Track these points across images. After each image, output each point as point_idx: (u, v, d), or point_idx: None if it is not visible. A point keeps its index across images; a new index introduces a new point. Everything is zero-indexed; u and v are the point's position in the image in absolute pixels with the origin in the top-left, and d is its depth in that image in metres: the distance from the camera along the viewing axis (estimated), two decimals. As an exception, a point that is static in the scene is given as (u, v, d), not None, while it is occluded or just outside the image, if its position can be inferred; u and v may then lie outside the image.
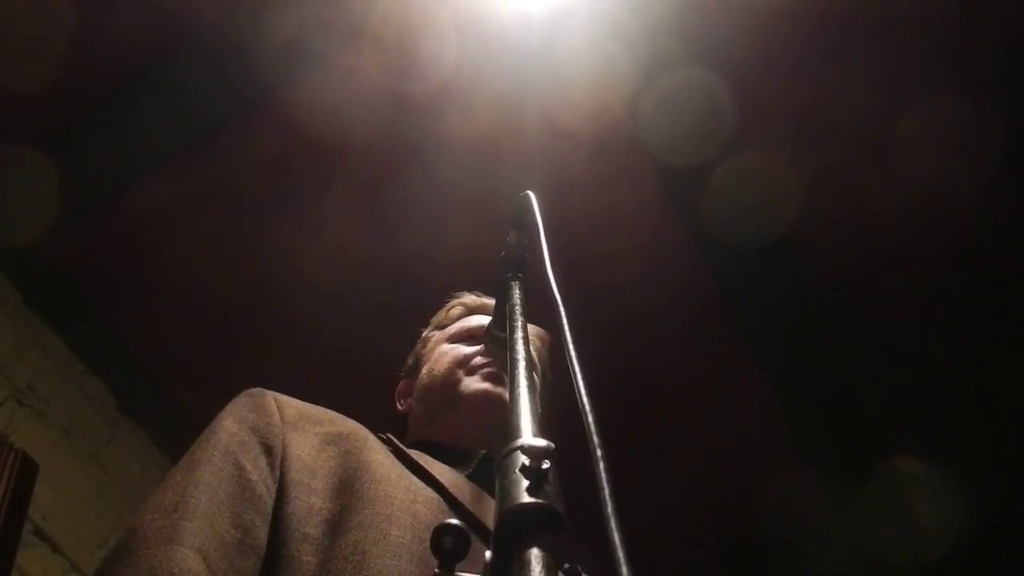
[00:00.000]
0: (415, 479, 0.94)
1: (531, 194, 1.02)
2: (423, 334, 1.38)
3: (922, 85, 2.35)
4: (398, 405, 1.32)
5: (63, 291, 2.71)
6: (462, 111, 2.43)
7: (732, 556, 3.22)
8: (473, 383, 1.18)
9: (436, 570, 0.60)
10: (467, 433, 1.14)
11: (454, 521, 0.62)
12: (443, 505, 0.91)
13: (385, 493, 0.88)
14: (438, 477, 0.95)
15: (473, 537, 0.61)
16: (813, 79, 2.38)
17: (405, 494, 0.89)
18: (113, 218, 2.59)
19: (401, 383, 1.35)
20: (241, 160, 2.52)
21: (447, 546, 0.60)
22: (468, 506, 0.92)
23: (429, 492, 0.92)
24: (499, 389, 1.15)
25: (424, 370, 1.28)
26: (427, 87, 2.38)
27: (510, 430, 0.62)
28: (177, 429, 2.91)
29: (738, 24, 2.28)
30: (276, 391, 1.03)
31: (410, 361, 1.36)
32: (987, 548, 2.98)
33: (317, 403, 1.06)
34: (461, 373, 1.20)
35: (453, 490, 0.94)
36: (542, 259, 0.87)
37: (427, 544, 0.82)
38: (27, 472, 2.32)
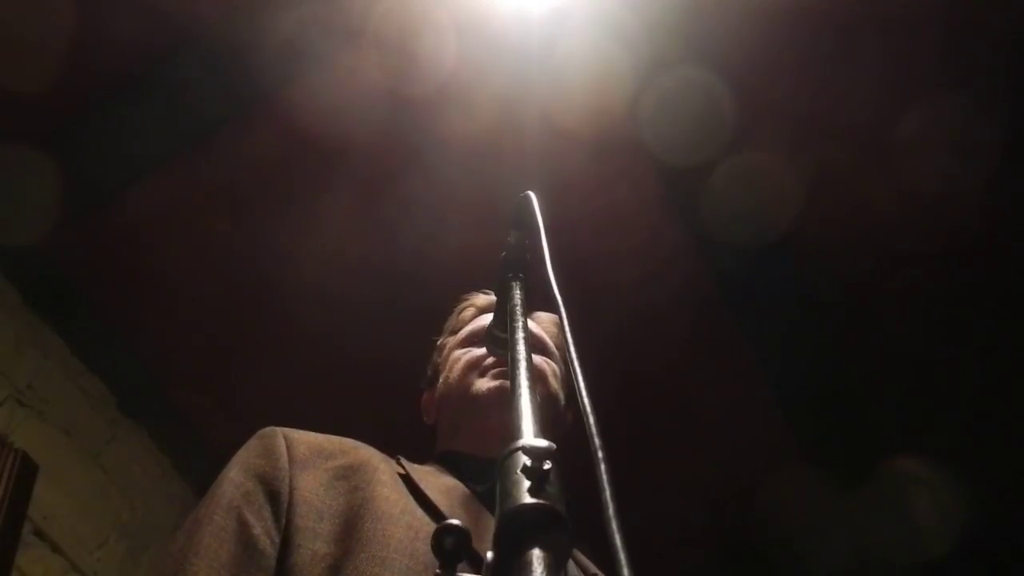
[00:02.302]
0: (419, 512, 0.92)
1: (531, 194, 1.02)
2: (438, 342, 1.36)
3: (922, 85, 2.35)
4: (425, 419, 1.30)
5: (63, 291, 2.71)
6: (462, 111, 2.43)
7: (732, 556, 3.22)
8: (485, 383, 1.17)
9: (437, 570, 0.60)
10: (491, 439, 1.11)
11: (455, 521, 0.62)
12: None
13: (384, 533, 0.87)
14: (444, 509, 0.93)
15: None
16: (813, 79, 2.38)
17: (405, 532, 0.88)
18: (113, 218, 2.59)
19: (424, 396, 1.32)
20: (241, 160, 2.52)
21: (448, 546, 0.60)
22: (473, 537, 0.91)
23: (431, 527, 0.89)
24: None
25: (441, 379, 1.26)
26: (427, 87, 2.38)
27: (511, 431, 0.62)
28: (177, 429, 2.92)
29: (738, 24, 2.28)
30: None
31: (429, 372, 1.34)
32: (987, 548, 2.98)
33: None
34: (474, 376, 1.19)
35: (458, 521, 0.92)
36: (543, 259, 0.87)
37: None
38: (27, 472, 2.32)
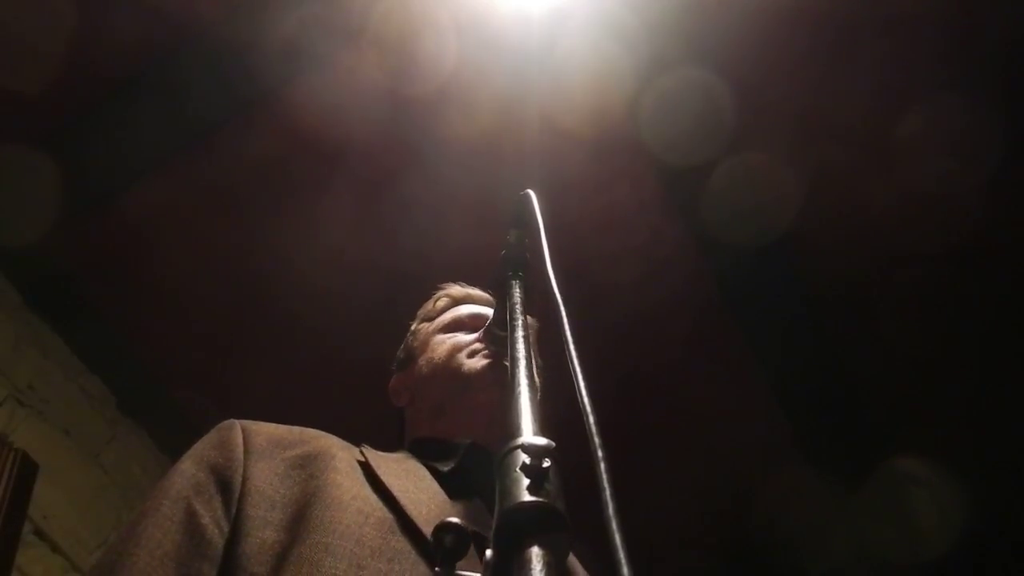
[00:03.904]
0: (373, 498, 0.91)
1: (531, 193, 1.02)
2: (412, 327, 1.37)
3: (922, 85, 2.35)
4: (395, 401, 1.30)
5: (63, 291, 2.71)
6: (462, 111, 2.43)
7: (732, 556, 3.22)
8: (476, 362, 1.17)
9: (437, 569, 0.60)
10: (478, 417, 1.12)
11: (455, 520, 0.62)
12: (395, 526, 0.87)
13: (331, 519, 0.86)
14: (398, 495, 0.91)
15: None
16: (813, 79, 2.38)
17: (355, 517, 0.87)
18: (113, 218, 2.59)
19: (393, 379, 1.32)
20: (241, 160, 2.52)
21: (448, 544, 0.60)
22: (422, 525, 0.88)
23: (383, 512, 0.89)
24: (500, 369, 1.13)
25: (422, 361, 1.26)
26: (427, 87, 2.38)
27: (511, 429, 0.62)
28: (177, 429, 2.91)
29: (738, 24, 2.28)
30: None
31: (401, 355, 1.34)
32: (987, 548, 2.98)
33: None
34: (462, 356, 1.19)
35: (411, 507, 0.90)
36: (542, 258, 0.87)
37: (367, 571, 0.81)
38: (27, 472, 2.32)
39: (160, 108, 2.41)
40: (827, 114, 2.42)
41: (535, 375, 1.25)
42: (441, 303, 1.37)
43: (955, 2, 2.23)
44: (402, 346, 1.36)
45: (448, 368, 1.19)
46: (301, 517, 0.87)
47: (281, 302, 2.72)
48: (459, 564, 0.61)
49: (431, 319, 1.34)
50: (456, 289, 1.39)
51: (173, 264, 2.69)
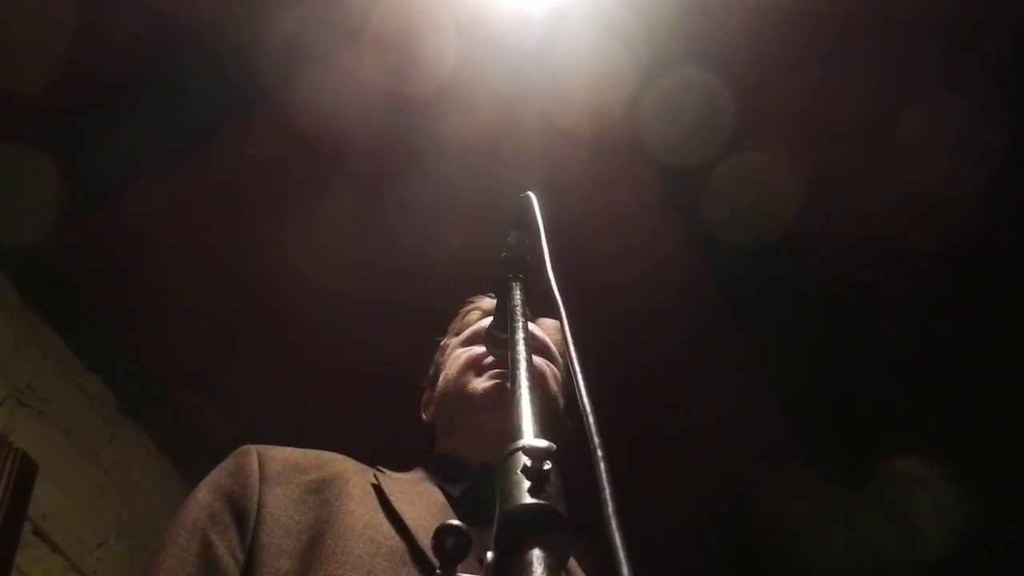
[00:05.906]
0: (385, 526, 0.91)
1: (531, 195, 1.02)
2: (442, 342, 1.37)
3: (922, 85, 2.35)
4: (424, 416, 1.30)
5: (63, 291, 2.71)
6: (462, 111, 2.43)
7: (732, 556, 3.22)
8: (481, 382, 1.16)
9: (438, 570, 0.60)
10: (485, 439, 1.11)
11: (455, 522, 0.62)
12: (406, 557, 0.87)
13: (343, 549, 0.86)
14: (410, 523, 0.91)
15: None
16: (813, 79, 2.38)
17: (367, 547, 0.87)
18: (113, 218, 2.59)
19: (424, 394, 1.33)
20: (240, 160, 2.52)
21: (448, 547, 0.60)
22: (433, 556, 0.89)
23: (395, 542, 0.89)
24: (506, 388, 1.12)
25: (441, 377, 1.26)
26: (427, 87, 2.38)
27: (511, 431, 0.62)
28: (177, 429, 2.92)
29: (738, 24, 2.28)
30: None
31: (431, 371, 1.34)
32: (987, 548, 2.98)
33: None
34: (471, 374, 1.19)
35: (422, 536, 0.90)
36: (543, 259, 0.87)
37: None
38: (27, 472, 2.32)
39: (160, 108, 2.41)
40: (827, 114, 2.42)
41: (558, 373, 1.25)
42: (471, 317, 1.36)
43: (955, 2, 2.23)
44: (432, 362, 1.36)
45: (456, 385, 1.19)
46: (314, 545, 0.87)
47: (281, 302, 2.72)
48: (461, 567, 0.61)
49: (459, 333, 1.34)
50: (486, 301, 1.37)
51: (173, 264, 2.69)
